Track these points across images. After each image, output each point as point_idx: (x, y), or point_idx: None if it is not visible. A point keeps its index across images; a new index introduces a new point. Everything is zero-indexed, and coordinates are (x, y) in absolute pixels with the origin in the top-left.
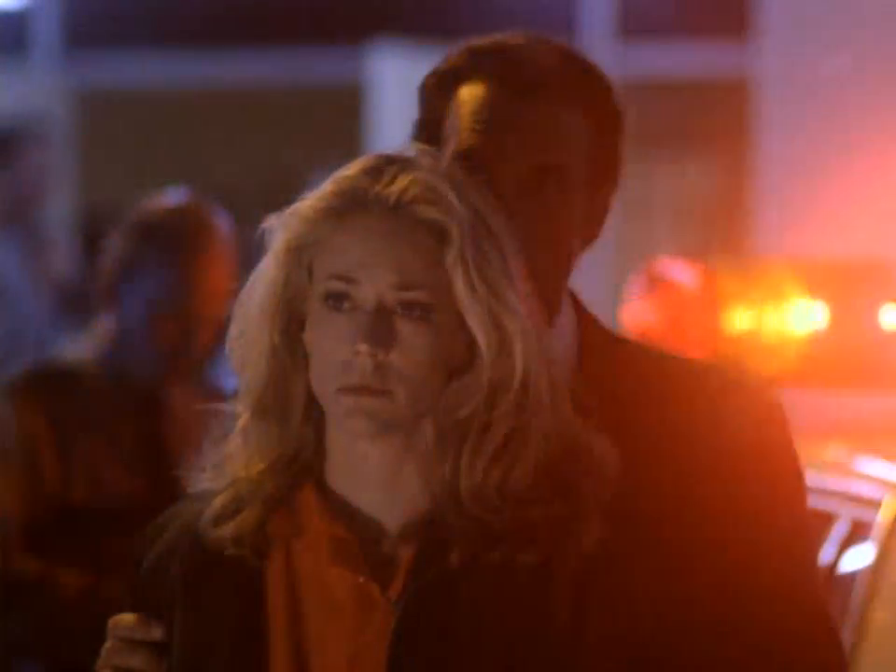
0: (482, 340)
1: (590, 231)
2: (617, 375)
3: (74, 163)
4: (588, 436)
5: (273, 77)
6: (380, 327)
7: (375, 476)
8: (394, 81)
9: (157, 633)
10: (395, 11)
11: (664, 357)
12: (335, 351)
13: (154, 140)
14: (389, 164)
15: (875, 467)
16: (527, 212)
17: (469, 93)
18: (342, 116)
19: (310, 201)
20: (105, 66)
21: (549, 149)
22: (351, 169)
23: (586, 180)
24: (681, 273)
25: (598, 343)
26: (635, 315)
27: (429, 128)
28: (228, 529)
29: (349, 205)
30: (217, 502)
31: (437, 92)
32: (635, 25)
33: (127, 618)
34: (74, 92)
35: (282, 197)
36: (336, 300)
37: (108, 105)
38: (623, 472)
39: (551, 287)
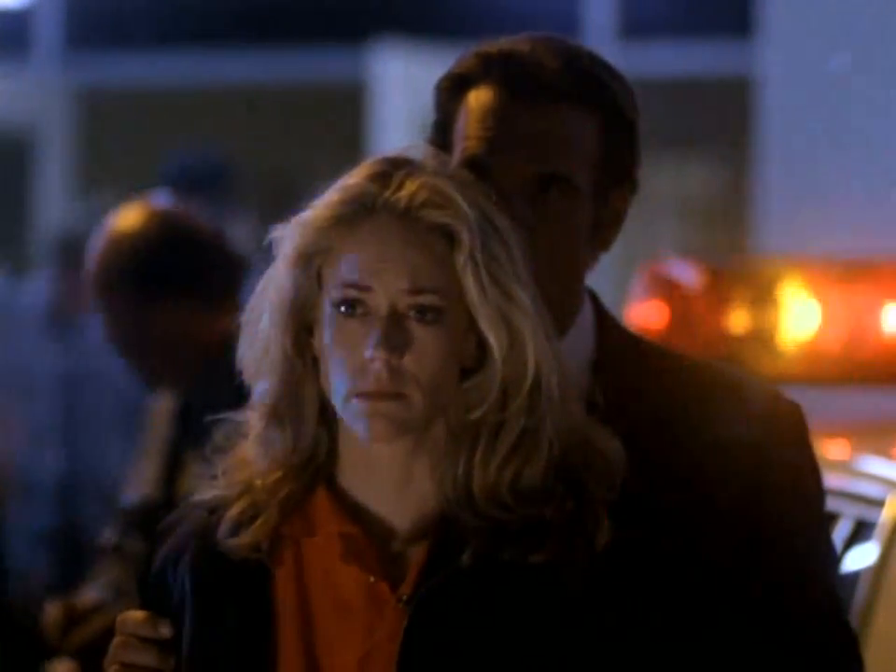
0: (493, 340)
1: (602, 235)
2: (635, 375)
3: (74, 164)
4: (598, 434)
5: (274, 77)
6: (393, 332)
7: (387, 476)
8: (396, 81)
9: (165, 630)
10: (397, 11)
11: (681, 357)
12: (349, 356)
13: (155, 140)
14: (396, 169)
15: (878, 466)
16: (532, 219)
17: (476, 99)
18: (343, 116)
19: (317, 210)
20: (106, 66)
21: (552, 158)
22: (356, 176)
23: (595, 184)
24: (683, 272)
25: (616, 343)
26: (637, 314)
27: (443, 131)
28: (246, 537)
29: (358, 213)
30: (234, 511)
31: (448, 96)
32: (636, 25)
33: (136, 615)
34: (75, 92)
35: (283, 197)
36: (349, 306)
37: (110, 104)
38: (639, 468)
39: (560, 292)
